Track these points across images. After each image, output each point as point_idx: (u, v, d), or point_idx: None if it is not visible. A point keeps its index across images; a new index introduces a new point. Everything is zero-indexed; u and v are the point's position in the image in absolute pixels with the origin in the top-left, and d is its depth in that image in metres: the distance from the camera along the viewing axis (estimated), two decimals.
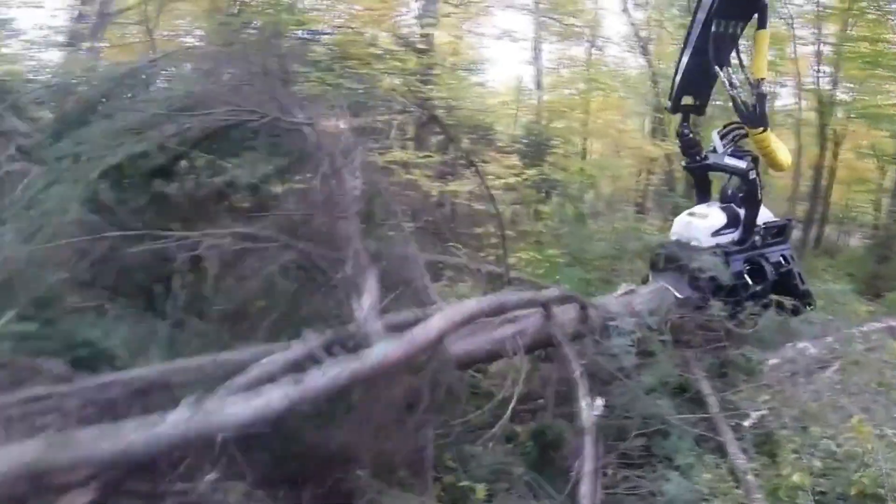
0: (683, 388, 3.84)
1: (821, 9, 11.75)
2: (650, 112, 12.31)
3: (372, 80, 6.87)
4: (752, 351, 4.06)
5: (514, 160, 7.63)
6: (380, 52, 7.06)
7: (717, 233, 4.66)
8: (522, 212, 8.38)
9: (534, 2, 10.87)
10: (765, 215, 4.96)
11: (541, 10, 10.97)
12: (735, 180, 4.97)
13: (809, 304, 4.87)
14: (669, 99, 4.82)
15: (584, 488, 2.96)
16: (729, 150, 4.77)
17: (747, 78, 4.54)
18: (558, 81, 12.44)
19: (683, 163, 5.00)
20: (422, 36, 7.84)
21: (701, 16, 4.44)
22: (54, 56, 6.67)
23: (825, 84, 12.11)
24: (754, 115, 4.50)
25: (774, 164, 4.93)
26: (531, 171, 7.84)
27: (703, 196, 5.05)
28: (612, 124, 11.64)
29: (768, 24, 4.60)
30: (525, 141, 10.01)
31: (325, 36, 8.07)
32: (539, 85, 12.13)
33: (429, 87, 7.06)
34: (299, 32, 7.62)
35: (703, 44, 4.42)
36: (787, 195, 12.64)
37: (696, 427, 3.56)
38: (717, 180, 5.43)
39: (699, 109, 4.83)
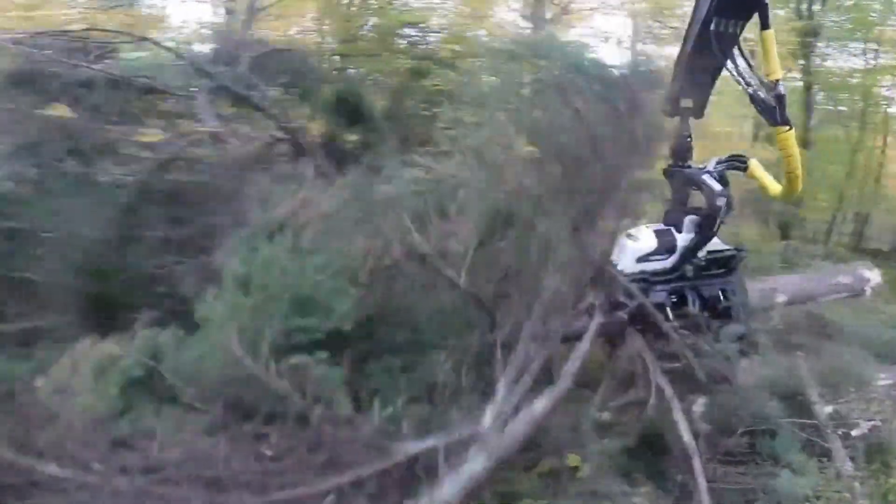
0: (792, 392, 3.90)
1: None
2: (753, 115, 11.95)
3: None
4: (864, 364, 4.06)
5: None
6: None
7: (643, 258, 4.35)
8: None
9: (631, 4, 10.80)
10: (713, 244, 4.55)
11: (641, 12, 10.89)
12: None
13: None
14: (666, 100, 4.51)
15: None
16: (714, 173, 4.43)
17: (761, 79, 4.31)
18: None
19: (665, 166, 4.68)
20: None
21: (700, 14, 4.24)
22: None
23: None
24: (777, 113, 4.25)
25: (790, 178, 4.48)
26: None
27: (675, 207, 4.66)
28: (710, 126, 11.38)
29: (771, 24, 4.26)
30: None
31: (434, 34, 8.42)
32: None
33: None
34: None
35: (702, 43, 4.22)
36: None
37: (804, 431, 3.64)
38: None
39: (697, 112, 4.56)
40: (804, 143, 8.98)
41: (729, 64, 4.30)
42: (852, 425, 3.70)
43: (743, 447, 3.69)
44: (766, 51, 4.27)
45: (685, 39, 4.40)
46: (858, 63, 11.49)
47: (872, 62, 11.37)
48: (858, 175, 11.18)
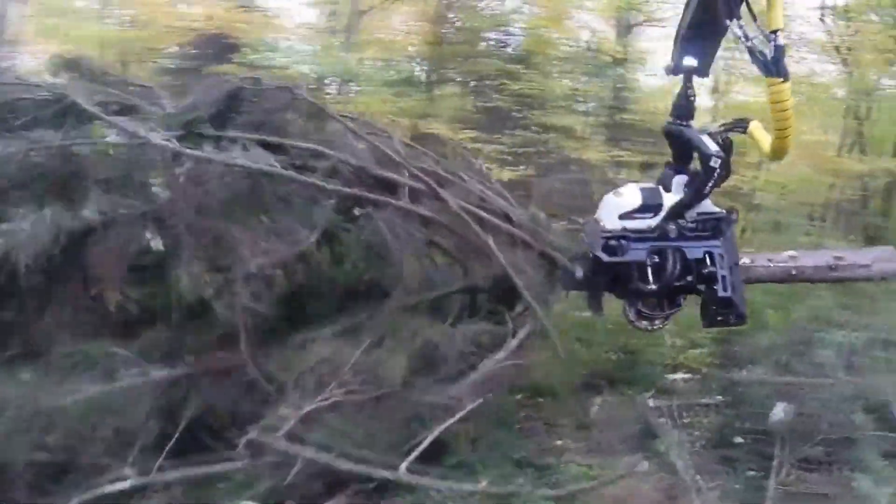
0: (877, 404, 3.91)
1: None
2: (846, 124, 11.53)
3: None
4: None
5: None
6: (574, 53, 7.44)
7: (626, 215, 4.13)
8: None
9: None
10: (702, 206, 4.32)
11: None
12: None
13: (729, 317, 4.10)
14: (672, 59, 4.30)
15: None
16: (714, 133, 4.23)
17: (762, 31, 3.93)
18: (739, 86, 11.97)
19: (666, 122, 4.43)
20: (618, 42, 8.10)
21: None
22: (311, 49, 7.78)
23: None
24: (772, 63, 3.93)
25: (781, 136, 4.17)
26: None
27: (677, 162, 4.40)
28: (798, 134, 11.01)
29: None
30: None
31: (515, 37, 8.60)
32: (717, 89, 11.79)
33: (623, 93, 7.34)
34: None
35: None
36: None
37: (887, 442, 3.67)
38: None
39: (702, 71, 4.31)
40: None
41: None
42: None
43: (821, 455, 3.77)
44: (770, 2, 3.98)
45: None
46: None
47: None
48: None
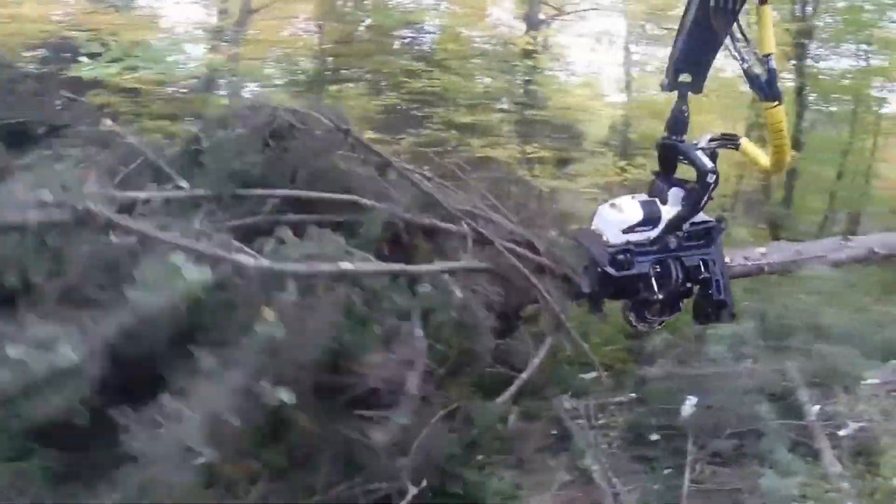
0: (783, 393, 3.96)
1: None
2: (748, 116, 12.02)
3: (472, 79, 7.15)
4: (853, 364, 4.11)
5: (609, 159, 7.75)
6: (484, 50, 7.32)
7: (629, 229, 4.37)
8: None
9: (626, 5, 10.84)
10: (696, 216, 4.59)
11: (636, 12, 10.93)
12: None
13: (722, 316, 4.40)
14: (666, 76, 4.56)
15: None
16: (707, 149, 4.50)
17: (756, 54, 4.26)
18: (650, 83, 12.30)
19: (660, 138, 4.70)
20: (529, 37, 8.04)
21: None
22: (199, 52, 7.30)
23: None
24: (767, 88, 4.25)
25: (777, 153, 4.49)
26: (625, 173, 7.94)
27: (664, 173, 4.70)
28: (705, 127, 11.41)
29: None
30: (614, 143, 10.07)
31: (428, 34, 8.43)
32: (629, 86, 12.08)
33: (532, 86, 7.29)
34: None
35: (702, 18, 4.21)
36: (889, 207, 12.07)
37: (792, 432, 3.70)
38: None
39: (696, 87, 4.56)
40: (796, 146, 9.04)
41: (727, 40, 4.25)
42: (840, 425, 3.76)
43: (730, 449, 3.77)
44: (762, 25, 4.27)
45: (685, 14, 4.36)
46: (850, 65, 11.56)
47: (864, 64, 11.42)
48: (849, 176, 11.25)
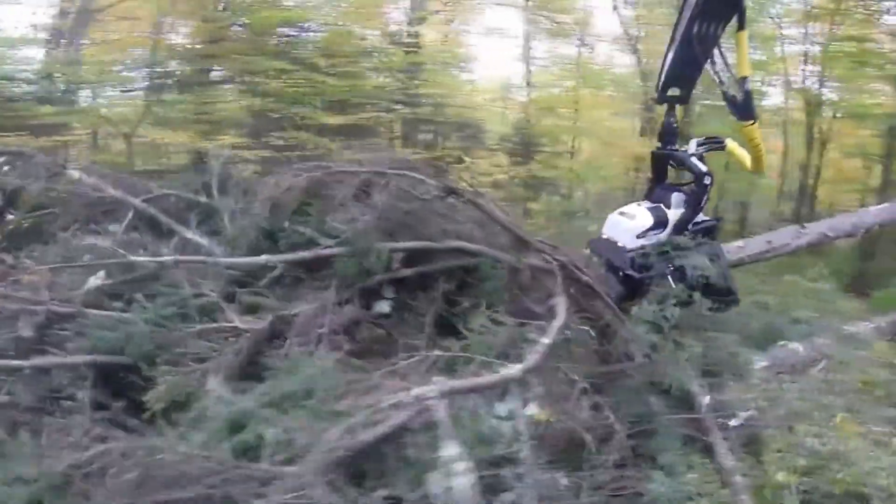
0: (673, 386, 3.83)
1: (809, 8, 11.82)
2: (640, 110, 12.33)
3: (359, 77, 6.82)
4: (740, 351, 4.07)
5: (503, 158, 7.61)
6: (368, 49, 7.00)
7: (643, 234, 4.75)
8: (511, 210, 8.37)
9: None
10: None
11: (531, 7, 10.95)
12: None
13: (729, 303, 4.75)
14: (656, 90, 4.95)
15: None
16: (697, 154, 4.95)
17: (733, 76, 4.73)
18: (548, 79, 12.41)
19: (654, 149, 5.19)
20: (409, 34, 7.78)
21: (687, 12, 4.65)
22: (37, 54, 6.56)
23: (812, 83, 12.20)
24: (743, 108, 4.73)
25: (757, 160, 5.06)
26: (519, 169, 7.82)
27: (657, 180, 5.21)
28: (602, 122, 11.63)
29: (746, 25, 4.83)
30: (514, 140, 10.01)
31: (312, 33, 8.01)
32: (528, 82, 12.11)
33: (417, 84, 7.03)
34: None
35: (688, 41, 4.64)
36: (774, 194, 12.71)
37: (685, 427, 3.56)
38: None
39: (684, 99, 5.04)
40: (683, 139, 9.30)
41: (708, 63, 4.76)
42: (730, 416, 3.67)
43: (627, 450, 3.59)
44: (740, 49, 4.71)
45: (672, 37, 4.79)
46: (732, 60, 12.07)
47: None
48: (735, 168, 11.78)
